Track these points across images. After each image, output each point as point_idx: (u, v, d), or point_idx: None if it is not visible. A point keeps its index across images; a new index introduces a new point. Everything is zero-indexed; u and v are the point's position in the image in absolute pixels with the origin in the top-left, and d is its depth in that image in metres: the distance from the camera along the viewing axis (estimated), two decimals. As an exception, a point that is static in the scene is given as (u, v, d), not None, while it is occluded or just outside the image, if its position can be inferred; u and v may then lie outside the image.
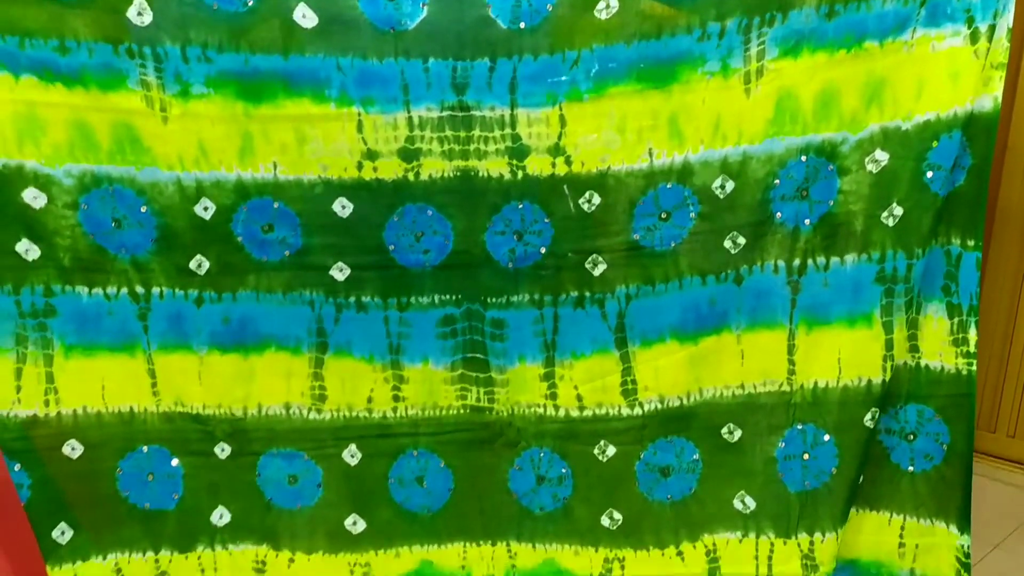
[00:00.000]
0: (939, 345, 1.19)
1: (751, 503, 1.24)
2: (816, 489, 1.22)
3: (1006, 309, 2.77)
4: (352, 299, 1.17)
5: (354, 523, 1.24)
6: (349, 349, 1.19)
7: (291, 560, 1.24)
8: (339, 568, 1.25)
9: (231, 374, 1.18)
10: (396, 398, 1.20)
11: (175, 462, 1.20)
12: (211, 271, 1.14)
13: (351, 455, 1.22)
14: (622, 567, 1.25)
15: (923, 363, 1.20)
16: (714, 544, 1.25)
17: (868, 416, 1.18)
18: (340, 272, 1.16)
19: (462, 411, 1.22)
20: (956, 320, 1.17)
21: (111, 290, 1.13)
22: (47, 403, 1.15)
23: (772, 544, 1.24)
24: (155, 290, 1.14)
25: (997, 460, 2.92)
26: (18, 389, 1.13)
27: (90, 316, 1.14)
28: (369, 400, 1.20)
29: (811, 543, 1.22)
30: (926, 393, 1.21)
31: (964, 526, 1.21)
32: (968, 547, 1.20)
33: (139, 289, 1.14)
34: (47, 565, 1.17)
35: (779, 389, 1.21)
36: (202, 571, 1.23)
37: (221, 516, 1.23)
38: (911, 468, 1.23)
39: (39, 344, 1.13)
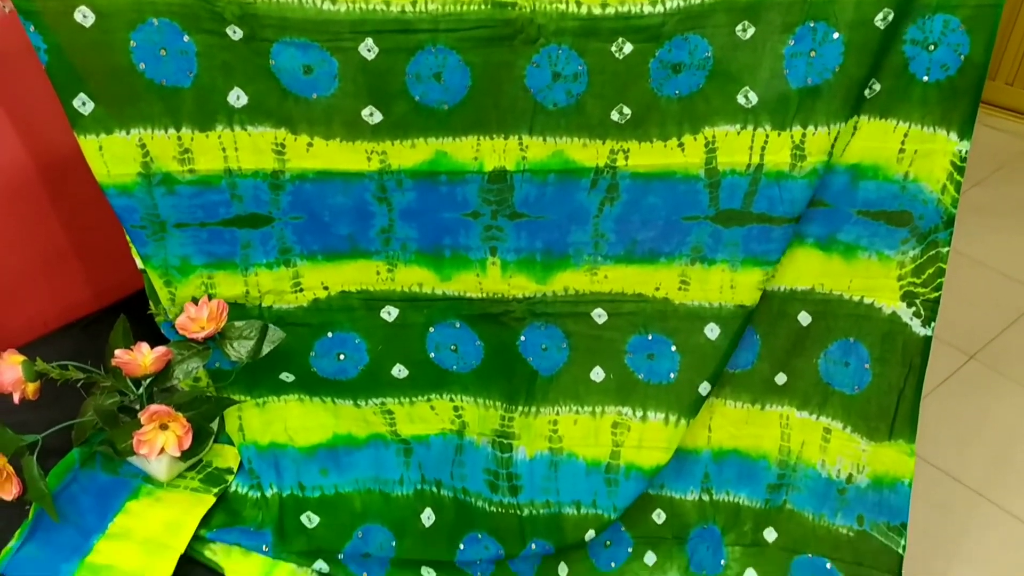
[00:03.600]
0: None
1: (753, 98, 1.26)
2: (817, 86, 1.23)
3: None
4: None
5: (371, 114, 1.25)
6: None
7: (309, 144, 1.27)
8: (356, 154, 1.28)
9: (237, -51, 1.12)
10: None
11: (186, 38, 1.18)
12: None
13: (368, 49, 1.20)
14: (626, 157, 1.30)
15: (957, -29, 1.17)
16: (713, 136, 1.29)
17: (879, 16, 1.17)
18: None
19: (483, 7, 1.19)
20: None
21: None
22: (52, -39, 1.10)
23: (767, 136, 1.28)
24: None
25: (992, 107, 2.97)
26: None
27: None
28: None
29: (803, 135, 1.26)
30: (955, 3, 1.18)
31: (965, 133, 1.25)
32: (965, 153, 1.25)
33: None
34: (75, 133, 1.21)
35: None
36: (223, 150, 1.26)
37: (238, 97, 1.23)
38: (926, 78, 1.24)
39: None
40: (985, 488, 1.76)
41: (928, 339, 1.35)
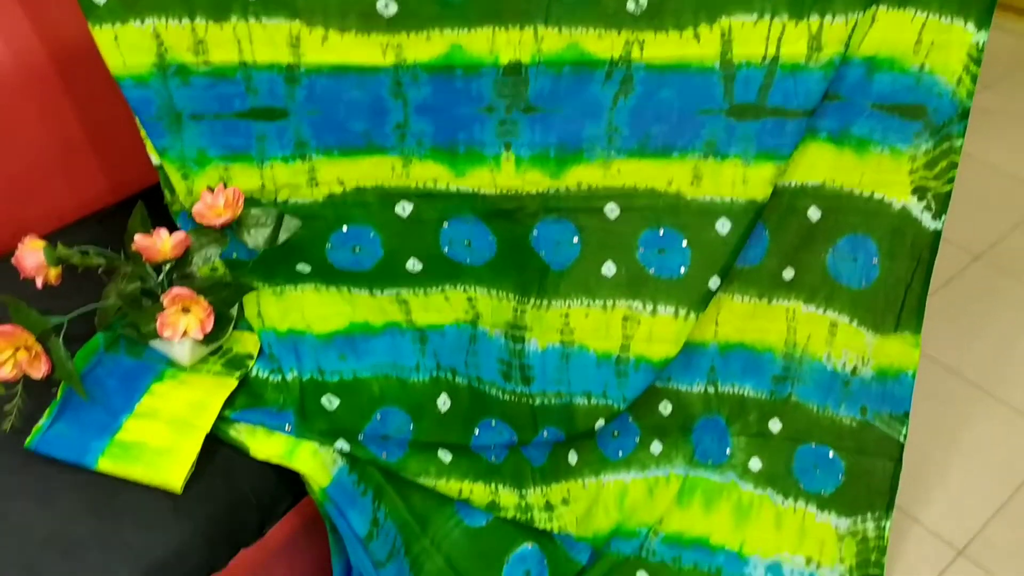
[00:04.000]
0: None
1: None
2: (835, -29, 1.23)
3: None
4: None
5: (386, 6, 1.25)
6: None
7: (324, 37, 1.26)
8: (371, 48, 1.28)
9: None
10: None
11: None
12: None
13: None
14: (641, 49, 1.30)
15: None
16: (729, 27, 1.28)
17: None
18: None
19: None
20: None
21: None
22: None
23: (784, 26, 1.27)
24: None
25: (1007, 10, 2.93)
26: None
27: None
28: None
29: (820, 25, 1.26)
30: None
31: (983, 23, 1.24)
32: (982, 44, 1.25)
33: None
34: (89, 24, 1.20)
35: None
36: (238, 42, 1.26)
37: (251, -17, 1.23)
38: (946, -36, 1.23)
39: None
40: (985, 382, 1.81)
41: (938, 233, 1.37)
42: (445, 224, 1.41)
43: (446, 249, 1.41)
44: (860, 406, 1.46)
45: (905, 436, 1.44)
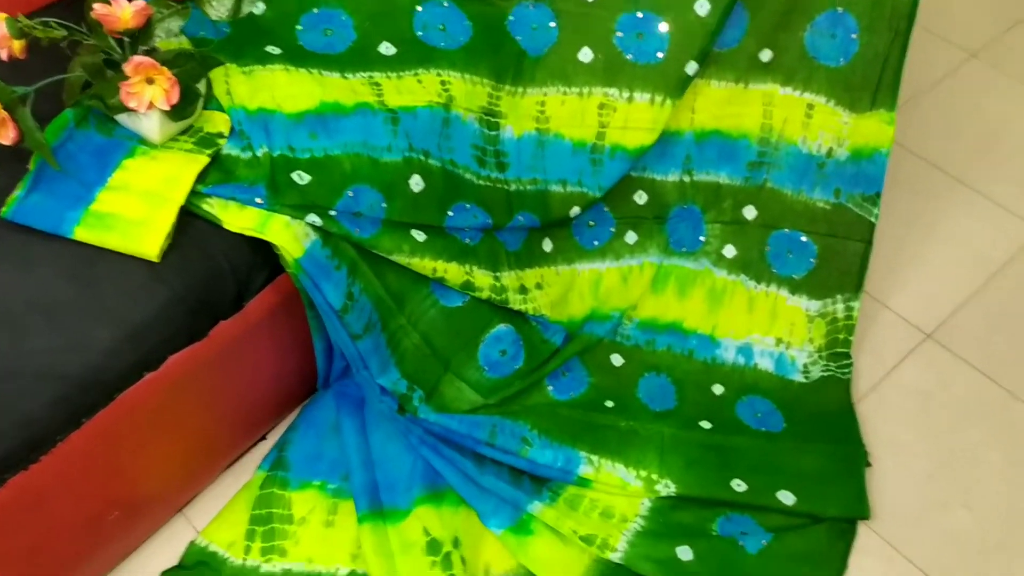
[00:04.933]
0: None
1: None
2: None
3: None
4: None
5: None
6: None
7: None
8: None
9: None
10: None
11: None
12: None
13: None
14: None
15: None
16: None
17: None
18: None
19: None
20: None
21: None
22: None
23: None
24: None
25: None
26: None
27: None
28: None
29: None
30: None
31: None
32: None
33: None
34: None
35: None
36: None
37: None
38: None
39: None
40: (967, 176, 1.80)
41: (915, 2, 1.34)
42: (419, 7, 1.38)
43: (420, 33, 1.39)
44: (834, 188, 1.47)
45: (877, 216, 1.45)
